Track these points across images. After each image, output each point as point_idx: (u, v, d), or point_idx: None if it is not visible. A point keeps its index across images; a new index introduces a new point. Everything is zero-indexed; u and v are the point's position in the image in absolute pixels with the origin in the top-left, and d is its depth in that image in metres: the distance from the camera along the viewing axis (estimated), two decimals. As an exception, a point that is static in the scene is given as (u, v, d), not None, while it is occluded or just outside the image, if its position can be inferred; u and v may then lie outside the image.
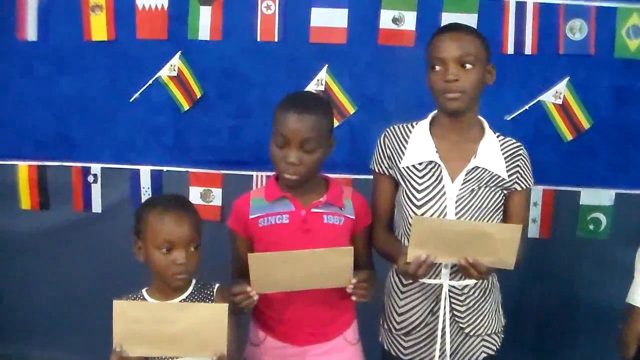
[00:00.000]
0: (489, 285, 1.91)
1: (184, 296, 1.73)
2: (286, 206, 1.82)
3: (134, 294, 1.74)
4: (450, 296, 1.84)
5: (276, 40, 2.57)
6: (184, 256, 1.65)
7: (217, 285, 1.78)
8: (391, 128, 1.93)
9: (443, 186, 1.82)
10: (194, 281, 1.75)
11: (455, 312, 1.86)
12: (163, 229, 1.65)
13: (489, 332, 1.93)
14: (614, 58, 2.52)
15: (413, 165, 1.85)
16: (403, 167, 1.86)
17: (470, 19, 2.43)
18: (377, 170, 1.93)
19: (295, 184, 1.78)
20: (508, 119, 2.55)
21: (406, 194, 1.85)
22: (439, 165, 1.82)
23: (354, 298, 1.77)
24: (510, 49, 2.53)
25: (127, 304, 1.63)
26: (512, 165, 1.85)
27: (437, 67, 1.76)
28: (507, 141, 1.88)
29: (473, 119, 1.86)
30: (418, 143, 1.86)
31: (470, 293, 1.87)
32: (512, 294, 2.32)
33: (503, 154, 1.85)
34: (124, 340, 1.54)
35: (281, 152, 1.74)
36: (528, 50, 2.53)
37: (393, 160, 1.88)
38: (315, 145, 1.73)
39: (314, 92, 2.48)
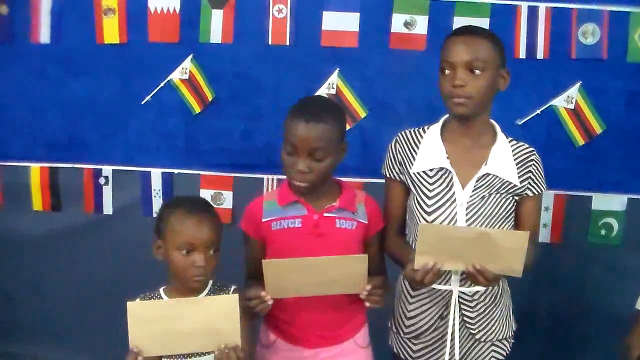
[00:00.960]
0: (500, 291, 1.91)
1: (200, 297, 1.73)
2: (299, 210, 1.82)
3: (151, 293, 1.75)
4: (460, 302, 1.84)
5: (287, 43, 2.57)
6: (203, 259, 1.66)
7: (233, 288, 1.79)
8: (402, 133, 1.92)
9: (454, 193, 1.81)
10: (210, 282, 1.77)
11: (466, 318, 1.86)
12: (185, 230, 1.67)
13: (500, 337, 1.93)
14: (627, 62, 2.50)
15: (424, 171, 1.84)
16: (414, 173, 1.86)
17: (482, 23, 2.41)
18: (388, 175, 1.93)
19: (305, 191, 1.78)
20: (519, 124, 2.54)
21: (417, 200, 1.85)
22: (450, 171, 1.81)
23: (367, 304, 1.78)
24: (522, 53, 2.52)
25: (141, 305, 1.65)
26: (524, 171, 1.84)
27: (447, 71, 1.75)
28: (520, 146, 1.87)
29: (484, 123, 1.85)
30: (429, 149, 1.85)
31: (481, 299, 1.86)
32: (522, 299, 2.32)
33: (515, 160, 1.84)
34: (139, 341, 1.56)
35: (291, 159, 1.74)
36: (540, 54, 2.52)
37: (404, 166, 1.88)
38: (325, 154, 1.73)
39: (326, 96, 2.48)
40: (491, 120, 1.87)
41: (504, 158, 1.83)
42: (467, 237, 1.65)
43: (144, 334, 1.56)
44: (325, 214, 1.82)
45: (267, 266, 1.69)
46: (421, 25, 2.52)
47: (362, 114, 2.60)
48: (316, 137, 1.71)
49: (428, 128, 1.90)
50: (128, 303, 1.56)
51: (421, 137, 1.88)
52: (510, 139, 1.88)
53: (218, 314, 1.57)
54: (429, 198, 1.82)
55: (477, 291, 1.84)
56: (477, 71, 1.72)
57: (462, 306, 1.84)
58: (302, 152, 1.72)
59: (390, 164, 1.91)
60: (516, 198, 1.85)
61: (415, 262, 1.67)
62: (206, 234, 1.68)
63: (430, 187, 1.83)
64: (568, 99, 2.53)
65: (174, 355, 1.66)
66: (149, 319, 1.56)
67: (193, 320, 1.57)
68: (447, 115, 1.88)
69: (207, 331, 1.58)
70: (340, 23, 2.54)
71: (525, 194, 1.85)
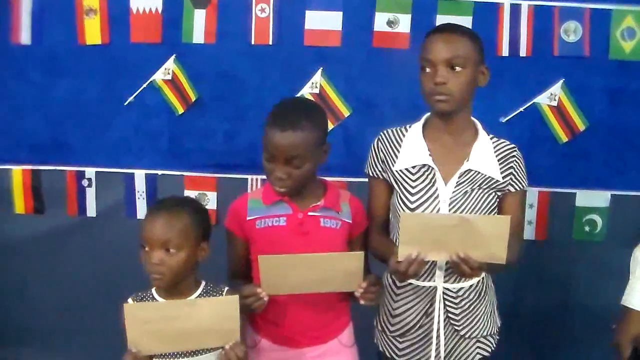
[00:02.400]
0: (484, 287, 1.91)
1: (191, 298, 1.72)
2: (284, 209, 1.81)
3: (143, 292, 1.74)
4: (444, 298, 1.84)
5: (271, 43, 2.57)
6: (156, 256, 1.63)
7: (226, 289, 1.76)
8: (385, 132, 1.92)
9: (436, 189, 1.81)
10: (203, 283, 1.76)
11: (450, 315, 1.86)
12: (144, 227, 1.66)
13: (484, 334, 1.93)
14: (609, 60, 2.52)
15: (406, 169, 1.85)
16: (396, 171, 1.86)
17: (465, 22, 2.42)
18: (371, 174, 1.93)
19: (285, 195, 1.78)
20: (503, 121, 2.55)
21: (400, 197, 1.85)
22: (432, 168, 1.82)
23: (362, 302, 1.76)
24: (505, 51, 2.53)
25: (137, 306, 1.64)
26: (505, 167, 1.85)
27: (427, 69, 1.76)
28: (501, 143, 1.88)
29: (466, 120, 1.85)
30: (411, 146, 1.86)
31: (465, 295, 1.86)
32: (508, 295, 2.32)
33: (497, 156, 1.85)
34: (137, 341, 1.56)
35: (269, 165, 1.74)
36: (523, 52, 2.53)
37: (386, 164, 1.88)
38: (303, 161, 1.71)
39: (306, 98, 2.46)
40: (472, 118, 1.87)
41: (486, 154, 1.84)
42: (449, 224, 1.65)
43: (142, 335, 1.56)
44: (309, 213, 1.81)
45: (263, 261, 1.67)
46: (404, 23, 2.53)
47: (346, 113, 2.60)
48: (293, 146, 1.69)
49: (410, 126, 1.90)
50: (124, 305, 1.56)
51: (403, 135, 1.89)
52: (491, 135, 1.88)
53: (219, 315, 1.57)
54: (412, 195, 1.82)
55: (462, 287, 1.84)
56: (457, 68, 1.73)
57: (446, 302, 1.85)
58: (279, 160, 1.71)
59: (373, 163, 1.91)
60: (499, 194, 1.85)
61: (398, 252, 1.67)
62: (157, 231, 1.64)
63: (413, 184, 1.83)
64: (551, 96, 2.55)
65: (169, 355, 1.66)
66: (147, 320, 1.55)
67: (193, 321, 1.56)
68: (428, 114, 1.88)
69: (207, 331, 1.58)
70: (323, 22, 2.55)
71: (508, 189, 1.85)
